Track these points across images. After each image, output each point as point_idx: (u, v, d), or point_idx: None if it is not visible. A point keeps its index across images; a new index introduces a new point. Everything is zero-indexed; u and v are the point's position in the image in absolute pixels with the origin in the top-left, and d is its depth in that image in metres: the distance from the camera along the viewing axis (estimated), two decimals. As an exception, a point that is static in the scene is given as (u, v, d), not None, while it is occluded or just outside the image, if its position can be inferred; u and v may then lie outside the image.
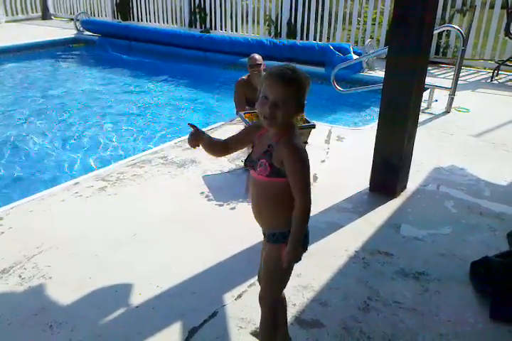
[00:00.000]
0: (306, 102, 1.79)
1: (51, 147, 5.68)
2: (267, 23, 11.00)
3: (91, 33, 11.73)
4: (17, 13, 13.91)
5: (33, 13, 14.23)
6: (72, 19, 12.77)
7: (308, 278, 2.81)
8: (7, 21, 13.55)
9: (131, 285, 2.76)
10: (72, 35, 11.88)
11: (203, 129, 5.58)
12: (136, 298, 2.64)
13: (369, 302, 2.62)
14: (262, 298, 2.09)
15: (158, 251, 3.11)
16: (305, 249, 1.96)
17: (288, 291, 2.65)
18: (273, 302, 2.06)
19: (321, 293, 2.69)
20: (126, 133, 6.23)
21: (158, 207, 3.67)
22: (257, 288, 2.69)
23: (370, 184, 3.93)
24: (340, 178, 4.18)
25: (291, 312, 2.51)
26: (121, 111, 7.16)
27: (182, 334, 2.38)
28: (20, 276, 2.81)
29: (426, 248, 3.15)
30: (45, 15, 14.24)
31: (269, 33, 10.89)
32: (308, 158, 1.76)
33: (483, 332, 2.43)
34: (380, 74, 3.78)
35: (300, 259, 1.91)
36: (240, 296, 2.67)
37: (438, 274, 2.87)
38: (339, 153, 4.75)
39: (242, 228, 3.39)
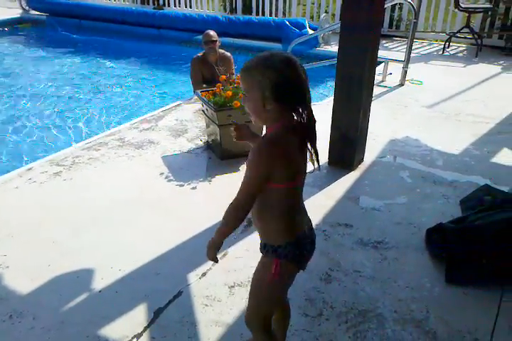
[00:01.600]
0: (285, 95, 1.48)
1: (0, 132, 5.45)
2: (221, -2, 10.78)
3: (38, 12, 11.16)
4: (-47, -8, 13.03)
5: (-29, -9, 13.36)
6: (15, -3, 12.11)
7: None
8: None
9: (93, 270, 2.72)
10: (18, 15, 11.27)
11: (160, 110, 5.51)
12: (99, 283, 2.61)
13: (330, 273, 2.69)
14: (246, 321, 1.86)
15: (119, 234, 3.07)
16: (298, 267, 1.70)
17: (252, 267, 2.70)
18: (258, 325, 1.81)
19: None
20: (80, 115, 6.03)
21: (117, 190, 3.60)
22: (221, 266, 2.74)
23: (328, 158, 3.98)
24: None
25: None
26: (74, 92, 6.91)
27: (147, 316, 2.38)
28: (-26, 267, 2.73)
29: (383, 218, 3.24)
30: (-15, -6, 13.41)
31: (225, 9, 10.67)
32: (272, 154, 1.49)
33: (440, 295, 2.54)
34: (336, 49, 3.78)
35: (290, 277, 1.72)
36: (204, 275, 2.68)
37: (395, 242, 2.97)
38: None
39: (203, 207, 3.39)
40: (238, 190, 1.56)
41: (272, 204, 1.58)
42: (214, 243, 1.70)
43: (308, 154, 1.60)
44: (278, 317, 1.99)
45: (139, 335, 2.26)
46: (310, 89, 1.52)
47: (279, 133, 1.52)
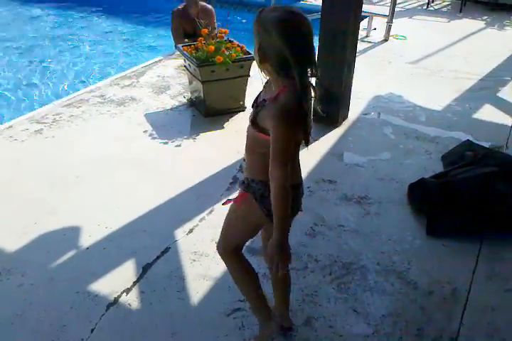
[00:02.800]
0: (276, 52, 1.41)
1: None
2: None
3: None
4: None
5: None
6: None
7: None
8: None
9: (80, 227, 2.72)
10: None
11: (141, 65, 5.33)
12: (86, 240, 2.63)
13: (315, 228, 2.75)
14: (217, 248, 1.92)
15: (104, 192, 3.05)
16: (262, 210, 1.62)
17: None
18: (222, 254, 1.89)
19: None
20: (58, 72, 5.83)
21: (100, 148, 3.55)
22: (208, 222, 2.77)
23: (312, 115, 3.95)
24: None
25: (242, 242, 2.59)
26: (51, 48, 6.64)
27: (136, 271, 2.42)
28: (-41, 227, 2.71)
29: (366, 173, 3.29)
30: None
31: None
32: (300, 121, 1.44)
33: (421, 247, 2.63)
34: (320, 2, 3.67)
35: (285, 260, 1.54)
36: (191, 231, 2.71)
37: (378, 197, 3.03)
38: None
39: (188, 164, 3.38)
40: (272, 166, 1.44)
41: (265, 154, 1.49)
42: (280, 241, 1.49)
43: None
44: (273, 283, 2.02)
45: (128, 290, 2.31)
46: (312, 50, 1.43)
47: (291, 95, 1.42)
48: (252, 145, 1.63)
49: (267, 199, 1.56)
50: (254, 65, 4.21)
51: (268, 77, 1.55)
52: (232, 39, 4.13)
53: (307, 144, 1.53)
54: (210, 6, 5.25)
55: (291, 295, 2.05)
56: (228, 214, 1.81)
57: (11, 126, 3.81)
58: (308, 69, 1.43)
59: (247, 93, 4.13)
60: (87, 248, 2.58)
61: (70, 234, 2.68)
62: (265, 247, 1.80)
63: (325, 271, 2.44)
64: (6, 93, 5.22)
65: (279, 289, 2.02)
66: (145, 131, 3.81)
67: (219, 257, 2.48)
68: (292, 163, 1.52)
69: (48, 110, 4.13)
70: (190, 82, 4.29)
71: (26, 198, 2.97)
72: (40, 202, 2.94)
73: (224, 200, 1.87)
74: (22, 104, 4.96)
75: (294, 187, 1.54)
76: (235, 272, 1.92)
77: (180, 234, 2.69)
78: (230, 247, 1.87)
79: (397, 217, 2.88)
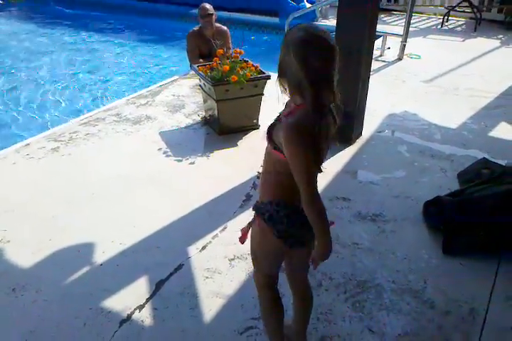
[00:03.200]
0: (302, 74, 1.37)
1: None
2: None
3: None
4: None
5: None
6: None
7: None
8: None
9: (94, 244, 2.74)
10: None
11: (156, 85, 5.44)
12: (100, 256, 2.64)
13: (329, 246, 2.71)
14: (254, 280, 1.91)
15: (119, 209, 3.07)
16: (276, 234, 1.61)
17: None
18: (256, 286, 1.88)
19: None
20: (76, 91, 5.97)
21: (115, 166, 3.59)
22: (221, 239, 2.77)
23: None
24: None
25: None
26: (69, 68, 6.82)
27: (149, 288, 2.42)
28: (-24, 242, 2.75)
29: (381, 191, 3.26)
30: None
31: (219, -18, 10.42)
32: (310, 139, 1.39)
33: (437, 266, 2.58)
34: (334, 22, 3.72)
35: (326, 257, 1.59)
36: (204, 248, 2.71)
37: (393, 215, 2.99)
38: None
39: (202, 182, 3.39)
40: (299, 186, 1.44)
41: (281, 174, 1.52)
42: (329, 244, 1.54)
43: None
44: (294, 302, 2.00)
45: (141, 307, 2.30)
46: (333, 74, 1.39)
47: (301, 116, 1.41)
48: (267, 163, 1.62)
49: (275, 219, 1.59)
50: (268, 83, 4.28)
51: (286, 93, 1.53)
52: (247, 59, 4.19)
53: (319, 170, 1.49)
54: (225, 27, 5.35)
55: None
56: (251, 243, 1.78)
57: (28, 144, 3.89)
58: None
59: (261, 111, 4.17)
60: (101, 264, 2.58)
61: (84, 250, 2.69)
62: (287, 269, 1.87)
63: (339, 289, 2.40)
64: (24, 111, 5.34)
65: (301, 308, 1.98)
66: (159, 149, 3.86)
67: (232, 274, 2.50)
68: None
69: (65, 128, 4.21)
70: (205, 101, 4.35)
71: (42, 216, 3.00)
72: (55, 219, 2.97)
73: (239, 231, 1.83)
74: (39, 122, 5.06)
75: (289, 205, 1.58)
76: (264, 305, 1.89)
77: (193, 250, 2.69)
78: (262, 279, 1.85)
79: (413, 235, 2.84)
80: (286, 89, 1.49)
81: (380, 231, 2.86)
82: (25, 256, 2.64)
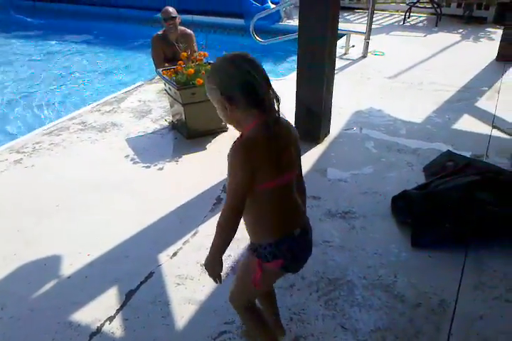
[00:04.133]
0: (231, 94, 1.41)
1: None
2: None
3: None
4: None
5: None
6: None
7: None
8: None
9: (60, 256, 2.67)
10: (-38, -2, 10.69)
11: (121, 91, 5.36)
12: (67, 269, 2.57)
13: (300, 245, 2.71)
14: (230, 301, 1.89)
15: (86, 219, 3.01)
16: (282, 269, 1.63)
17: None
18: (236, 308, 1.88)
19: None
20: (38, 100, 5.83)
21: (81, 175, 3.52)
22: (192, 245, 2.74)
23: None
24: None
25: (227, 263, 2.56)
26: (31, 77, 6.66)
27: (119, 298, 2.37)
28: None
29: (350, 188, 3.29)
30: None
31: (182, -15, 10.36)
32: (248, 159, 1.40)
33: (407, 259, 2.61)
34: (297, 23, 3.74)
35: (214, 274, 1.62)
36: (175, 254, 2.67)
37: (362, 211, 3.02)
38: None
39: (170, 187, 3.36)
40: (226, 198, 1.47)
41: (254, 204, 1.50)
42: (210, 260, 1.58)
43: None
44: (263, 299, 2.02)
45: (111, 318, 2.25)
46: (268, 88, 1.41)
47: (251, 133, 1.44)
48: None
49: (280, 258, 1.57)
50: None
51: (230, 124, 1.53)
52: (211, 61, 4.17)
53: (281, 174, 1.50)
54: (189, 30, 5.32)
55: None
56: (242, 275, 1.75)
57: (-10, 157, 3.79)
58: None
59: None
60: (69, 277, 2.52)
61: (51, 263, 2.62)
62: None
63: (312, 288, 2.40)
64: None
65: (270, 300, 2.03)
66: (127, 156, 3.80)
67: (204, 279, 2.47)
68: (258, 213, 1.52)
69: (28, 139, 4.11)
70: (172, 106, 4.31)
71: (5, 228, 2.92)
72: (19, 232, 2.89)
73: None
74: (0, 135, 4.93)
75: (283, 238, 1.56)
76: (250, 323, 1.92)
77: (163, 258, 2.65)
78: (245, 303, 1.84)
79: (382, 230, 2.87)
80: (237, 120, 1.49)
81: (350, 227, 2.87)
82: (-11, 272, 2.56)
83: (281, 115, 1.49)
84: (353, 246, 2.72)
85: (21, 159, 3.74)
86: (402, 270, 2.52)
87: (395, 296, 2.34)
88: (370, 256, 2.64)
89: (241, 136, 1.47)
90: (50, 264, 2.62)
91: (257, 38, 6.60)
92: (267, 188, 1.47)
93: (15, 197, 3.26)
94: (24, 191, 3.33)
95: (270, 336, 1.91)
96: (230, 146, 1.43)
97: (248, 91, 1.39)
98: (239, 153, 1.41)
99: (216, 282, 1.65)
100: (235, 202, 1.45)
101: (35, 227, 2.93)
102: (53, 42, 8.43)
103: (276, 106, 1.45)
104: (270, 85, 1.43)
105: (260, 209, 1.52)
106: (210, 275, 1.62)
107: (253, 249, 1.62)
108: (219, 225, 1.50)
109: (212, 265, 1.59)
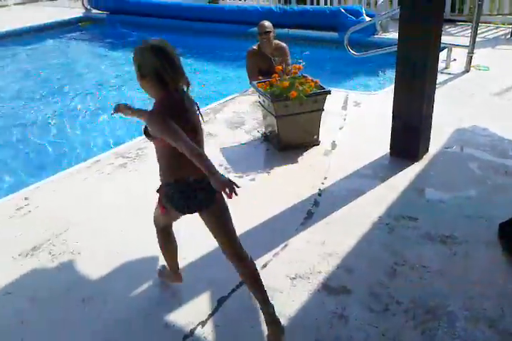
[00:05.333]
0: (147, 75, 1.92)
1: (70, 126, 5.66)
2: (275, -11, 10.69)
3: (99, 11, 11.55)
4: (24, -5, 13.85)
5: (39, -6, 14.18)
6: (78, -3, 12.56)
7: (332, 246, 2.80)
8: (15, 4, 13.53)
9: (158, 257, 2.78)
10: (80, 14, 11.72)
11: (217, 102, 5.52)
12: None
13: (396, 267, 2.60)
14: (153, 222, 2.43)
15: (183, 225, 3.10)
16: (175, 208, 2.14)
17: (313, 259, 2.69)
18: (156, 228, 2.41)
19: (346, 260, 2.68)
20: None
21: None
22: (282, 258, 2.73)
23: (390, 149, 3.85)
24: (359, 144, 4.10)
25: (318, 280, 2.51)
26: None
27: (211, 304, 2.42)
28: (50, 253, 2.88)
29: (451, 211, 3.09)
30: (52, -5, 14.12)
31: (279, 0, 10.58)
32: (161, 117, 1.87)
33: (513, 292, 2.40)
34: (395, 35, 3.64)
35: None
36: (265, 266, 2.68)
37: (465, 237, 2.82)
38: (357, 119, 4.65)
39: (262, 198, 3.38)
40: (177, 145, 1.83)
41: (163, 151, 2.02)
42: (218, 176, 1.85)
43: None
44: (249, 282, 2.21)
45: (203, 323, 2.30)
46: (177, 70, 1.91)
47: (159, 102, 1.95)
48: (158, 150, 2.08)
49: (172, 198, 2.12)
50: (329, 98, 4.23)
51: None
52: (306, 74, 4.18)
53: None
54: (283, 44, 5.38)
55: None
56: (156, 206, 2.30)
57: (98, 161, 4.07)
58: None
59: (321, 127, 4.12)
60: (164, 279, 2.62)
61: (149, 264, 2.74)
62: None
63: (408, 315, 2.28)
64: (94, 130, 5.59)
65: (245, 271, 2.20)
66: (221, 165, 3.89)
67: (293, 293, 2.45)
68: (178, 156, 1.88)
69: (131, 145, 4.36)
70: (265, 117, 4.37)
71: (110, 228, 3.10)
72: (122, 232, 3.05)
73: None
74: (108, 140, 5.27)
75: (180, 181, 2.06)
76: (161, 242, 2.43)
77: (254, 268, 2.66)
78: (161, 226, 2.39)
79: (487, 258, 2.66)
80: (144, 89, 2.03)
81: (451, 253, 2.70)
82: (94, 268, 2.73)
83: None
84: (453, 273, 2.55)
85: (126, 163, 3.98)
86: (510, 303, 2.31)
87: (500, 332, 2.15)
88: (472, 286, 2.45)
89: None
90: (148, 265, 2.73)
91: (351, 51, 6.51)
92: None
93: (120, 198, 3.46)
94: (128, 194, 3.51)
95: (173, 261, 2.43)
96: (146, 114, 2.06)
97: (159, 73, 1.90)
98: (155, 116, 1.92)
99: (236, 186, 1.90)
100: (182, 143, 1.83)
101: (137, 229, 3.06)
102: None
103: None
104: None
105: (168, 155, 2.02)
106: (228, 184, 1.86)
107: (160, 187, 2.16)
108: (195, 160, 1.83)
109: (222, 179, 1.85)
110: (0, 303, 2.50)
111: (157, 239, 2.42)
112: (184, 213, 2.20)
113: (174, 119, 1.87)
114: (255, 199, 3.37)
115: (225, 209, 2.24)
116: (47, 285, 2.62)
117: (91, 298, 2.50)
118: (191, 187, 2.08)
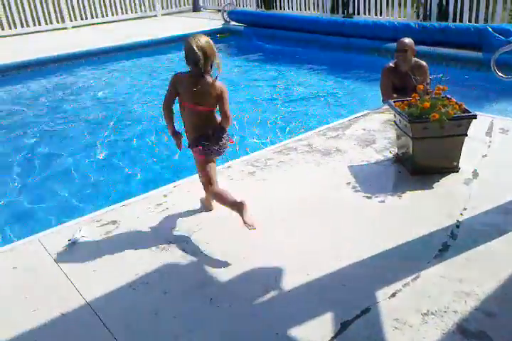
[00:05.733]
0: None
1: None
2: (414, 5, 10.34)
3: (237, 23, 12.15)
4: (171, 7, 15.17)
5: (184, 5, 15.45)
6: (219, 10, 13.35)
7: (471, 285, 2.57)
8: (163, 14, 14.91)
9: (281, 268, 2.80)
10: (220, 26, 12.43)
11: (347, 118, 5.47)
12: (287, 283, 2.68)
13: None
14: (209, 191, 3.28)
15: (307, 239, 3.10)
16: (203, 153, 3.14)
17: (448, 296, 2.51)
18: (212, 193, 3.23)
19: (486, 302, 2.45)
20: (271, 120, 6.35)
21: (304, 195, 3.66)
22: (412, 289, 2.58)
23: None
24: (504, 175, 3.77)
25: (453, 320, 2.32)
26: (266, 99, 7.33)
27: (334, 326, 2.35)
28: (183, 250, 3.05)
29: None
30: (196, 8, 15.24)
31: (417, 16, 10.22)
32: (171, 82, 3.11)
33: None
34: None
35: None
36: (393, 295, 2.55)
37: None
38: (503, 146, 4.28)
39: (393, 222, 3.25)
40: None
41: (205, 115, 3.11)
42: (169, 132, 3.26)
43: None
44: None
45: (326, 344, 2.25)
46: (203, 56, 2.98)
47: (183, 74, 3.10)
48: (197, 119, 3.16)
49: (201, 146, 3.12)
50: (473, 123, 3.93)
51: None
52: (449, 96, 3.95)
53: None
54: (423, 63, 5.16)
55: None
56: (196, 165, 3.33)
57: (230, 166, 4.24)
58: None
59: (462, 153, 3.85)
60: (289, 290, 2.62)
61: (272, 273, 2.77)
62: None
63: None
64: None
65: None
66: (348, 183, 3.83)
67: (424, 330, 2.29)
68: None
69: (261, 155, 4.48)
70: (398, 138, 4.20)
71: (239, 231, 3.13)
72: (249, 237, 3.09)
73: None
74: (237, 148, 5.47)
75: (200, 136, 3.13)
76: (223, 200, 3.17)
77: (381, 296, 2.55)
78: (211, 187, 3.23)
79: None
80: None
81: None
82: (222, 269, 2.83)
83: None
84: None
85: (254, 172, 4.09)
86: None
87: None
88: None
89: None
90: (272, 273, 2.76)
91: (499, 73, 6.01)
92: (186, 107, 3.10)
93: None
94: (256, 201, 3.53)
95: (235, 205, 3.03)
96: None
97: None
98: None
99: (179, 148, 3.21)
100: (164, 102, 3.14)
101: (263, 236, 3.11)
102: (286, 67, 9.15)
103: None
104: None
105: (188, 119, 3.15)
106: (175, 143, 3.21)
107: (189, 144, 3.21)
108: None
109: (171, 134, 3.21)
110: (139, 292, 2.69)
111: (218, 201, 3.16)
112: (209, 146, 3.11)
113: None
114: (385, 222, 3.25)
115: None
116: (179, 281, 2.77)
117: (218, 298, 2.59)
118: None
